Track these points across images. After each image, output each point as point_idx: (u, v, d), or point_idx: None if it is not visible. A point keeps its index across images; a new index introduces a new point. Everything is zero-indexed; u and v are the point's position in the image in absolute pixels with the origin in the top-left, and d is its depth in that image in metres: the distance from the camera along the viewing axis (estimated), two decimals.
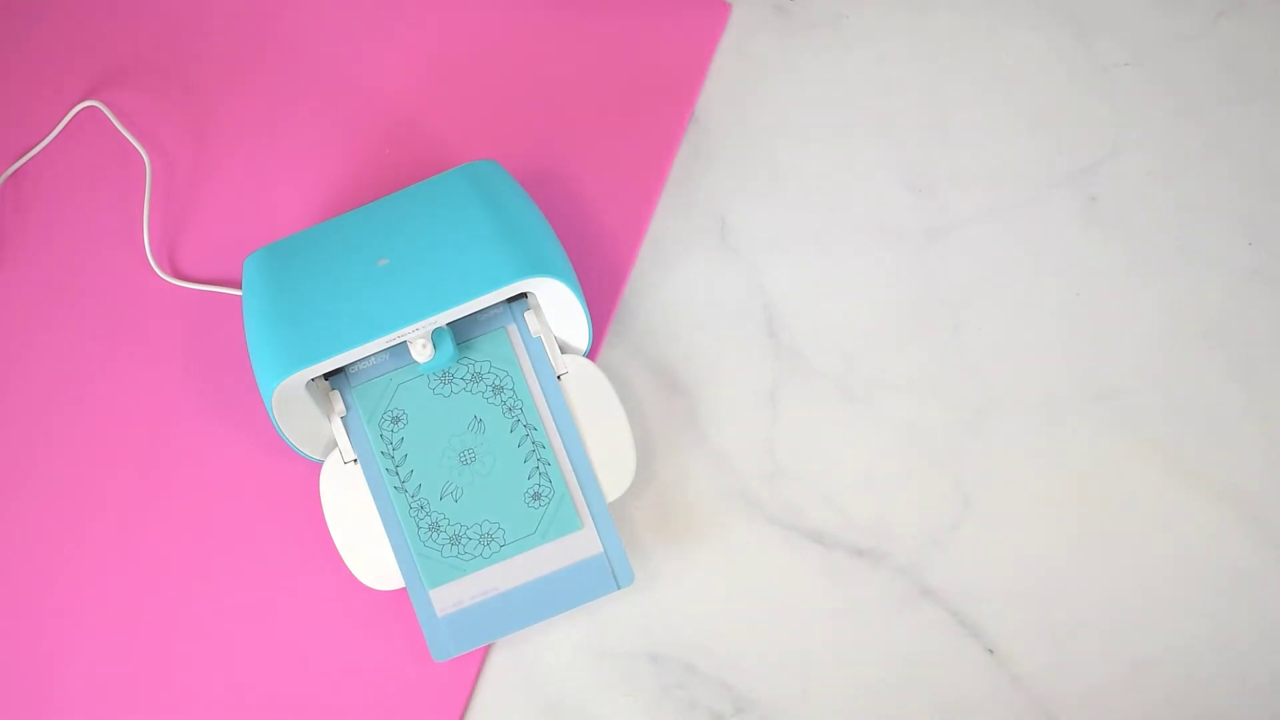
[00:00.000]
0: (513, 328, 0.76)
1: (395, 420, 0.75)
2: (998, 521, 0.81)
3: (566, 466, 0.75)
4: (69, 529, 0.81)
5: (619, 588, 0.75)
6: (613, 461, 0.79)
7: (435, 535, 0.74)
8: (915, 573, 0.80)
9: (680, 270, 0.87)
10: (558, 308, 0.79)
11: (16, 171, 0.88)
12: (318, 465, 0.80)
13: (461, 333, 0.78)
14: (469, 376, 0.75)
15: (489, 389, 0.75)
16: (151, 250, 0.86)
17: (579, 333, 0.81)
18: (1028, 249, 0.86)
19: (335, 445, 0.80)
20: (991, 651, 0.78)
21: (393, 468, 0.75)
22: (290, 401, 0.76)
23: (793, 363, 0.84)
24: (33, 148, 0.89)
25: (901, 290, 0.86)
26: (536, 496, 0.74)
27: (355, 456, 0.76)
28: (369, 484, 0.76)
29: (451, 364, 0.80)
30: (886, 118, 0.90)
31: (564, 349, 0.82)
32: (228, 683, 0.79)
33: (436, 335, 0.77)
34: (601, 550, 0.75)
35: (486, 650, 0.79)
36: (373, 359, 0.78)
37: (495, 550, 0.74)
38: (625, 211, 0.87)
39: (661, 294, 0.86)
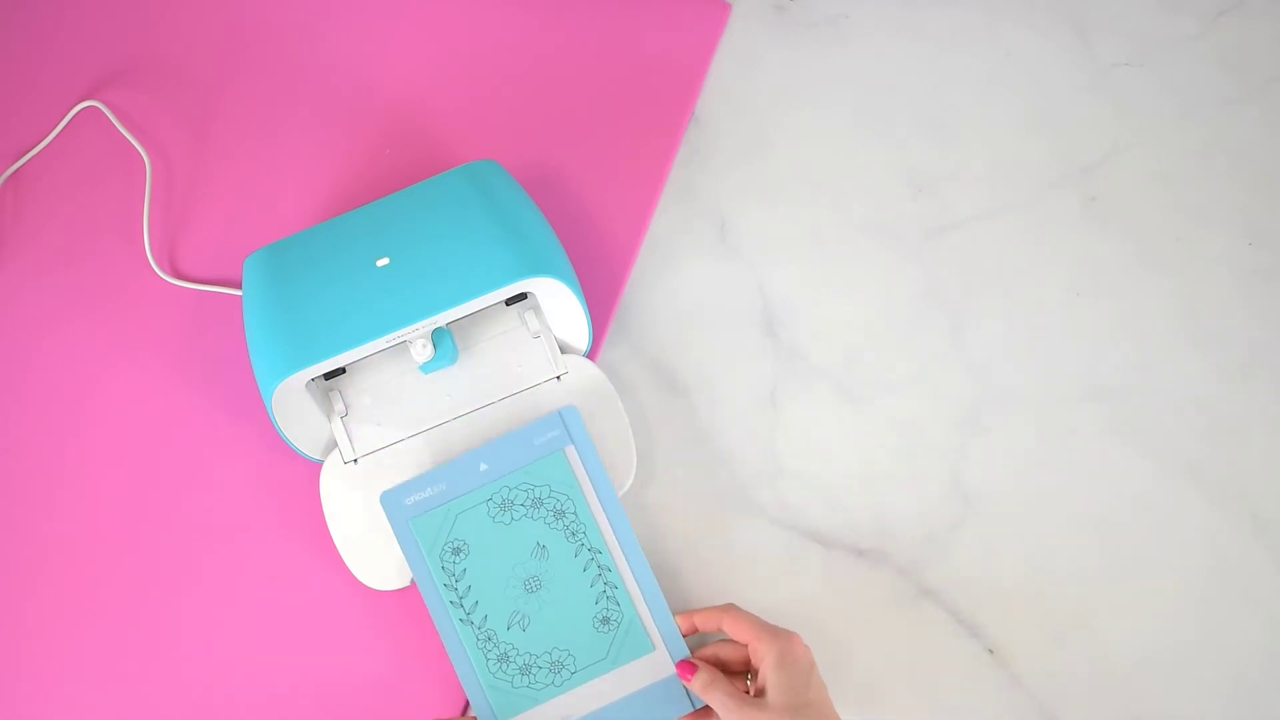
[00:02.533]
0: (571, 449, 0.74)
1: (456, 551, 0.73)
2: (998, 521, 0.81)
3: (633, 588, 0.73)
4: (69, 528, 0.81)
5: (694, 708, 0.73)
6: (613, 461, 0.79)
7: (505, 666, 0.72)
8: (915, 573, 0.80)
9: (680, 270, 0.87)
10: (558, 308, 0.79)
11: (16, 171, 0.88)
12: (318, 465, 0.80)
13: (518, 456, 0.75)
14: (529, 502, 0.73)
15: (550, 514, 0.73)
16: (151, 250, 0.86)
17: (579, 333, 0.81)
18: (1027, 249, 0.86)
19: (335, 445, 0.80)
20: (991, 651, 0.78)
21: (457, 600, 0.73)
22: (290, 401, 0.76)
23: (793, 363, 0.84)
24: (33, 148, 0.89)
25: (901, 290, 0.86)
26: (605, 621, 0.73)
27: (420, 590, 0.74)
28: (433, 616, 0.73)
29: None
30: (886, 118, 0.90)
31: (564, 349, 0.82)
32: (227, 682, 0.79)
33: (436, 335, 0.77)
34: (674, 672, 0.73)
35: None
36: (434, 488, 0.74)
37: (567, 678, 0.73)
38: (625, 211, 0.87)
39: (661, 294, 0.86)
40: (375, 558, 0.78)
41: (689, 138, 0.89)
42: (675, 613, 0.73)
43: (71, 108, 0.89)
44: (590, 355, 0.83)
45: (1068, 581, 0.79)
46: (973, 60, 0.91)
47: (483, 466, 0.73)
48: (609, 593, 0.72)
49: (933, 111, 0.90)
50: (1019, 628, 0.79)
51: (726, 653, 0.73)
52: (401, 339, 0.75)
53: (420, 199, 0.80)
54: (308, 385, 0.76)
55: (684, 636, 0.73)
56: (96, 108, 0.89)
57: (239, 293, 0.84)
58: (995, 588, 0.79)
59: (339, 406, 0.80)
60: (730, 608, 0.71)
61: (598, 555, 0.72)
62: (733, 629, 0.71)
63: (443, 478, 0.74)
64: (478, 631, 0.72)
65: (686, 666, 0.71)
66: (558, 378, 0.81)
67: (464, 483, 0.74)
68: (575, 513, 0.72)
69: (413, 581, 0.78)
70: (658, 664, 0.73)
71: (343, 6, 0.92)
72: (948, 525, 0.81)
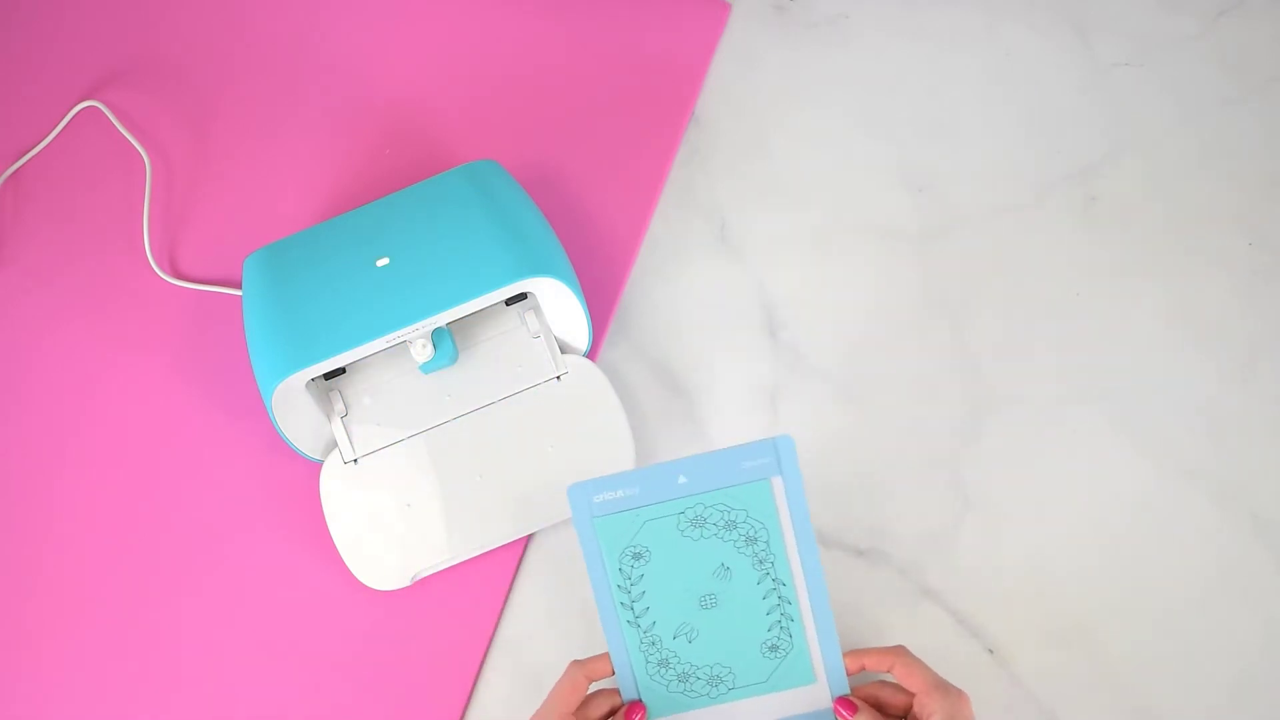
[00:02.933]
0: (778, 480, 0.71)
1: (637, 557, 0.71)
2: (998, 522, 0.81)
3: (809, 622, 0.72)
4: (69, 528, 0.81)
5: None
6: (612, 462, 0.79)
7: (664, 671, 0.72)
8: (915, 573, 0.80)
9: (680, 270, 0.87)
10: (558, 308, 0.79)
11: (16, 171, 0.88)
12: (318, 465, 0.80)
13: (722, 476, 0.71)
14: (722, 523, 0.71)
15: (741, 539, 0.71)
16: (151, 250, 0.86)
17: (579, 333, 0.81)
18: (1027, 249, 0.86)
19: (335, 445, 0.80)
20: (991, 651, 0.78)
21: (629, 603, 0.72)
22: (290, 401, 0.76)
23: (793, 363, 0.84)
24: (33, 148, 0.89)
25: (901, 290, 0.86)
26: (774, 649, 0.72)
27: (592, 587, 0.72)
28: (600, 612, 0.72)
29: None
30: (886, 118, 0.90)
31: (564, 349, 0.82)
32: (227, 682, 0.79)
33: (436, 335, 0.77)
34: (831, 706, 0.72)
35: (486, 649, 0.79)
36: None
37: (723, 692, 0.72)
38: (625, 211, 0.87)
39: (661, 294, 0.86)
40: (375, 558, 0.78)
41: (689, 138, 0.89)
42: (845, 651, 0.72)
43: (71, 108, 0.89)
44: (590, 355, 0.83)
45: (1068, 581, 0.79)
46: (973, 60, 0.91)
47: (681, 479, 0.71)
48: (784, 623, 0.71)
49: (933, 111, 0.90)
50: (1019, 628, 0.79)
51: (886, 695, 0.71)
52: (401, 339, 0.75)
53: (420, 199, 0.80)
54: (308, 385, 0.76)
55: (849, 675, 0.72)
56: (96, 108, 0.89)
57: (239, 293, 0.84)
58: (995, 588, 0.79)
59: (339, 406, 0.80)
60: (902, 651, 0.70)
61: (781, 587, 0.71)
62: (904, 676, 0.69)
63: (636, 481, 0.72)
64: (643, 635, 0.71)
65: (847, 705, 0.70)
66: (558, 378, 0.81)
67: (658, 492, 0.71)
68: (768, 542, 0.71)
69: (415, 578, 0.79)
70: (816, 696, 0.72)
71: (343, 6, 0.92)
72: (948, 525, 0.81)
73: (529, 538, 0.81)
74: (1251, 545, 0.80)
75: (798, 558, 0.71)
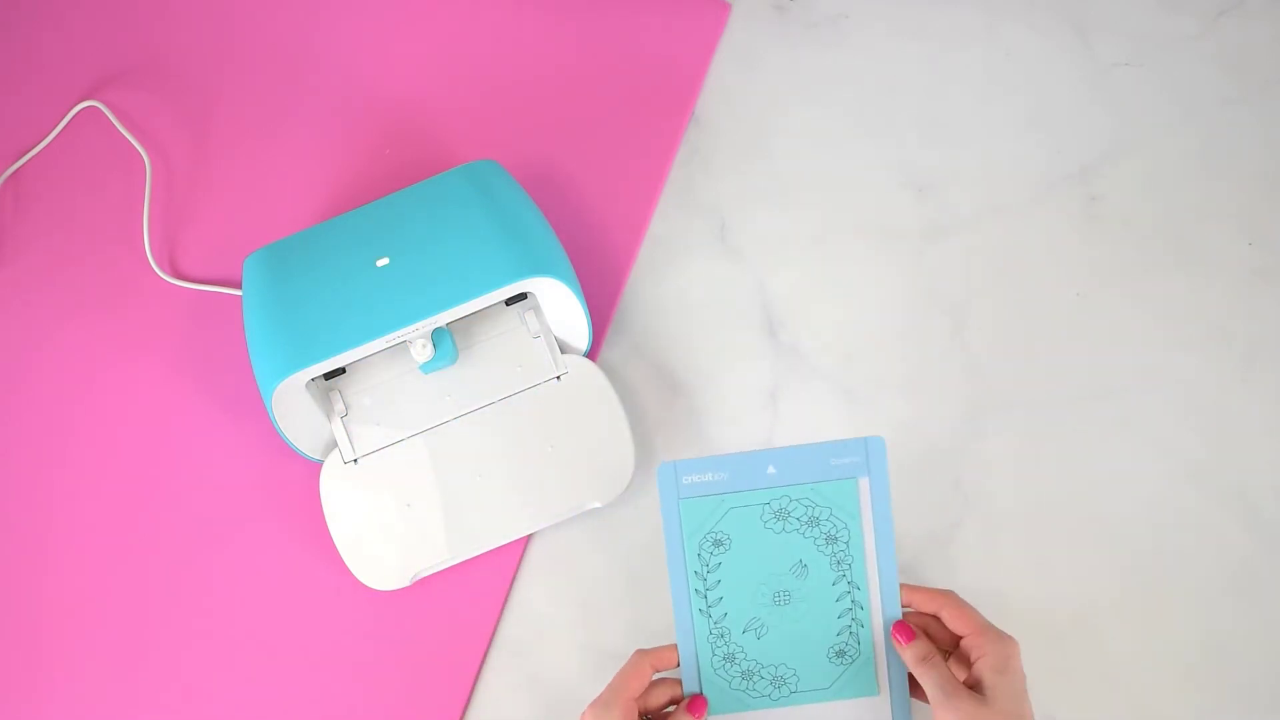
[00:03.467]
0: (865, 481, 0.70)
1: (717, 544, 0.70)
2: (998, 522, 0.81)
3: (879, 632, 0.71)
4: (68, 528, 0.81)
5: None
6: (612, 461, 0.79)
7: (729, 666, 0.71)
8: (915, 572, 0.80)
9: (680, 270, 0.87)
10: (558, 308, 0.79)
11: (16, 171, 0.88)
12: (318, 465, 0.80)
13: (810, 470, 0.70)
14: (805, 518, 0.70)
15: (822, 536, 0.70)
16: (151, 250, 0.86)
17: (579, 333, 0.81)
18: (1028, 249, 0.86)
19: (335, 445, 0.80)
20: None
21: (702, 590, 0.71)
22: (290, 401, 0.76)
23: (793, 363, 0.84)
24: (33, 148, 0.89)
25: (901, 290, 0.86)
26: (841, 654, 0.71)
27: (668, 570, 0.71)
28: (673, 598, 0.71)
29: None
30: (886, 118, 0.90)
31: (564, 349, 0.82)
32: (226, 681, 0.79)
33: (436, 335, 0.77)
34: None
35: (486, 649, 0.79)
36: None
37: (785, 694, 0.71)
38: (625, 211, 0.87)
39: (662, 294, 0.86)
40: (375, 558, 0.78)
41: (689, 138, 0.89)
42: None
43: (71, 108, 0.89)
44: (590, 355, 0.83)
45: (1068, 582, 0.79)
46: (973, 60, 0.91)
47: (771, 469, 0.70)
48: (854, 629, 0.71)
49: (933, 111, 0.90)
50: (1019, 628, 0.79)
51: (934, 629, 0.70)
52: (401, 339, 0.75)
53: (420, 199, 0.80)
54: (308, 385, 0.76)
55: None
56: (96, 108, 0.89)
57: (239, 293, 0.84)
58: (995, 588, 0.79)
59: (339, 406, 0.80)
60: (951, 595, 0.69)
61: (855, 590, 0.71)
62: (954, 618, 0.68)
63: (726, 467, 0.71)
64: (713, 626, 0.70)
65: (905, 630, 0.69)
66: (558, 378, 0.81)
67: (746, 479, 0.71)
68: (848, 543, 0.70)
69: (415, 577, 0.79)
70: (878, 709, 0.71)
71: (344, 6, 0.92)
72: (948, 526, 0.81)
73: (529, 538, 0.81)
74: (1251, 545, 0.80)
75: (875, 563, 0.70)
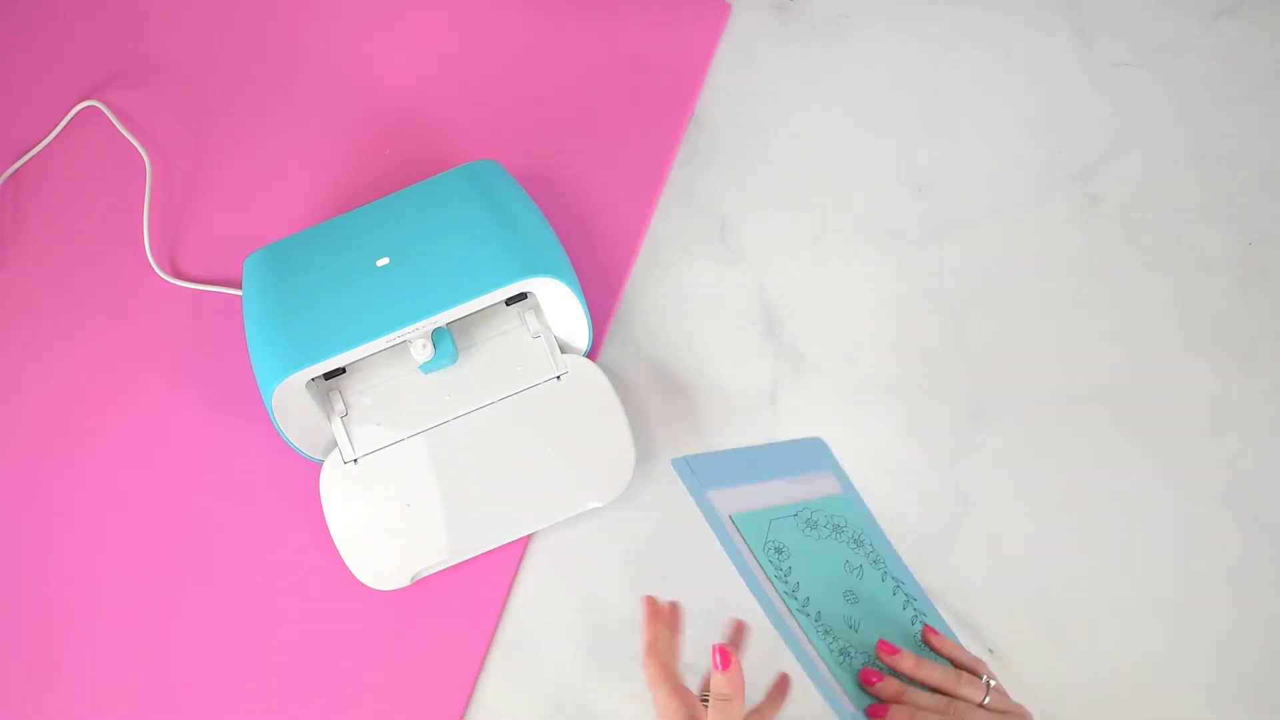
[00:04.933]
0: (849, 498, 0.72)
1: (778, 551, 0.69)
2: (998, 522, 0.81)
3: (937, 620, 0.71)
4: (68, 528, 0.81)
5: None
6: (612, 461, 0.79)
7: (847, 660, 0.68)
8: (915, 572, 0.80)
9: (680, 270, 0.87)
10: (558, 308, 0.79)
11: (16, 171, 0.88)
12: (318, 465, 0.80)
13: (804, 489, 0.71)
14: (830, 527, 0.71)
15: (850, 540, 0.71)
16: (151, 250, 0.86)
17: (579, 333, 0.81)
18: (1028, 249, 0.86)
19: (335, 445, 0.80)
20: (991, 651, 0.78)
21: (789, 592, 0.68)
22: (290, 401, 0.76)
23: (793, 363, 0.84)
24: (33, 148, 0.89)
25: (901, 290, 0.86)
26: (921, 644, 0.70)
27: (744, 585, 0.67)
28: (762, 609, 0.67)
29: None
30: (886, 117, 0.90)
31: (564, 349, 0.82)
32: (227, 680, 0.79)
33: (436, 335, 0.77)
34: None
35: (486, 649, 0.79)
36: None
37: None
38: (625, 211, 0.87)
39: (661, 294, 0.86)
40: (375, 557, 0.78)
41: (689, 138, 0.89)
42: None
43: (71, 108, 0.89)
44: (590, 355, 0.83)
45: (1067, 581, 0.79)
46: (973, 60, 0.91)
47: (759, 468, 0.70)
48: (917, 619, 0.70)
49: (933, 111, 0.90)
50: (1019, 628, 0.79)
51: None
52: (401, 339, 0.75)
53: (420, 199, 0.80)
54: (308, 385, 0.76)
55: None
56: (96, 108, 0.89)
57: (239, 293, 0.84)
58: (995, 588, 0.79)
59: (339, 406, 0.80)
60: (980, 664, 0.66)
61: (901, 585, 0.70)
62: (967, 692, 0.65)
63: (737, 460, 0.70)
64: (816, 624, 0.68)
65: (888, 647, 0.66)
66: (558, 378, 0.81)
67: (750, 475, 0.70)
68: (872, 545, 0.71)
69: (415, 578, 0.79)
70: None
71: (343, 7, 0.92)
72: (948, 525, 0.81)
73: (529, 538, 0.81)
74: (1251, 544, 0.80)
75: (899, 560, 0.70)
